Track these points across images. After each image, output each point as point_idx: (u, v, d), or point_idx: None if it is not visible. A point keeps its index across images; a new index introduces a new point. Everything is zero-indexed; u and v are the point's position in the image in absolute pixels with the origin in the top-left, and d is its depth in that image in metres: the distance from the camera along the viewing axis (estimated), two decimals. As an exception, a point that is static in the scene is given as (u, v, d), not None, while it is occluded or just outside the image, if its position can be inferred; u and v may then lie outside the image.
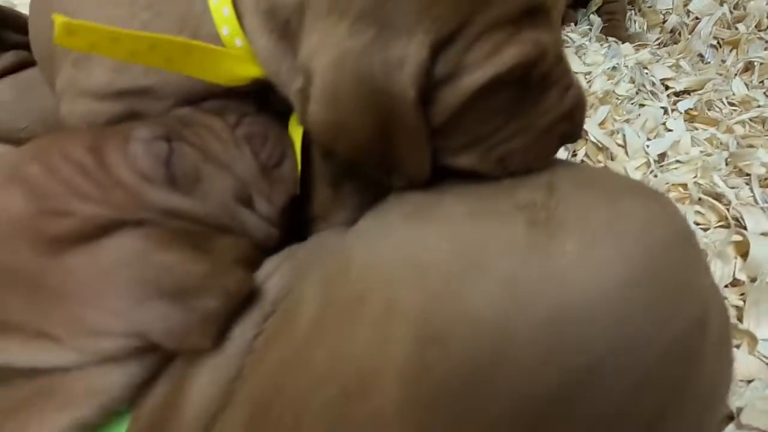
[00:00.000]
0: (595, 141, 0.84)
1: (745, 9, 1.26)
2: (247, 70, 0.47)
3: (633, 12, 1.41)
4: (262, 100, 0.55)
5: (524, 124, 0.46)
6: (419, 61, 0.38)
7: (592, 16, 1.38)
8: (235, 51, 0.46)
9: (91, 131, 0.44)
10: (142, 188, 0.39)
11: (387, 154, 0.45)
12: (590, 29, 1.33)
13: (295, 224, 0.55)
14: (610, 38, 1.26)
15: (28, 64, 0.78)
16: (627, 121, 0.86)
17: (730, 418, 0.54)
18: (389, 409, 0.34)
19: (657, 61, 1.08)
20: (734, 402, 0.53)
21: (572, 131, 0.50)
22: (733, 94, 0.97)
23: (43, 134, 0.72)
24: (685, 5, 1.34)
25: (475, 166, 0.47)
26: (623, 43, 1.21)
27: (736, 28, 1.22)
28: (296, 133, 0.54)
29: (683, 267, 0.41)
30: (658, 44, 1.26)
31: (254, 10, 0.44)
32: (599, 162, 0.82)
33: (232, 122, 0.49)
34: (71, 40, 0.40)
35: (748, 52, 1.15)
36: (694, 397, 0.42)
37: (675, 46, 1.23)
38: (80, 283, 0.34)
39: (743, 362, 0.59)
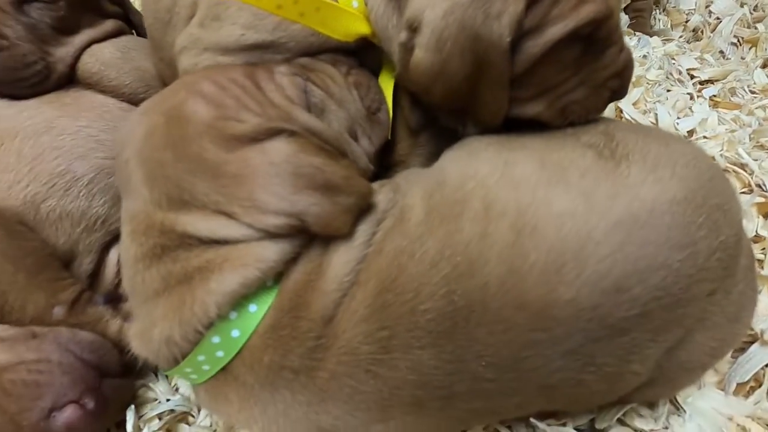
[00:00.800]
0: (629, 118, 0.92)
1: (764, 10, 1.35)
2: (358, 27, 0.57)
3: (657, 11, 1.50)
4: (359, 59, 0.64)
5: (585, 77, 0.56)
6: (516, 12, 0.47)
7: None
8: (352, 10, 0.55)
9: (241, 65, 0.53)
10: (291, 108, 0.48)
11: (472, 98, 0.53)
12: (617, 26, 1.42)
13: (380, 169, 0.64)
14: (637, 33, 1.35)
15: (123, 32, 0.87)
16: (658, 101, 0.95)
17: (754, 341, 0.62)
18: (494, 281, 0.43)
19: (683, 53, 1.17)
20: (758, 325, 0.61)
21: (621, 87, 0.59)
22: (755, 83, 1.05)
23: (142, 91, 0.81)
24: (707, 6, 1.43)
25: (541, 114, 0.57)
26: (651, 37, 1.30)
27: (756, 28, 1.30)
28: (387, 87, 0.63)
29: (724, 193, 0.50)
30: (682, 41, 1.35)
31: None
32: (633, 136, 0.90)
33: (343, 71, 0.58)
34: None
35: (766, 50, 1.24)
36: (728, 304, 0.50)
37: (697, 43, 1.32)
38: (254, 171, 0.43)
39: (764, 303, 0.67)
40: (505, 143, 0.53)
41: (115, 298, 0.70)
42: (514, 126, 0.58)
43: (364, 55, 0.63)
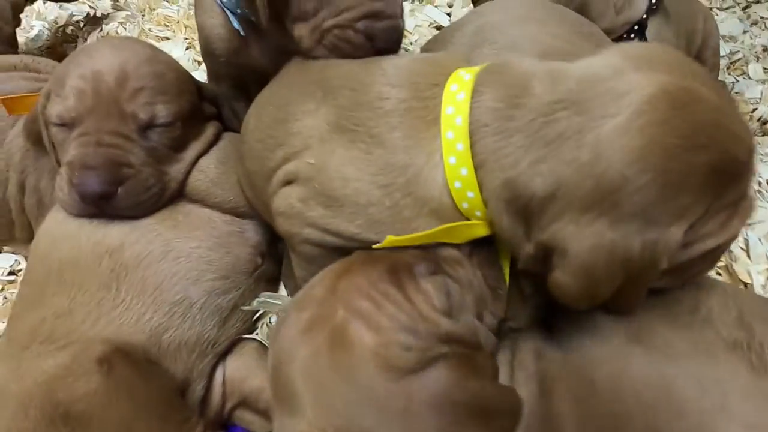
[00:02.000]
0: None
1: (834, 107, 1.34)
2: (481, 232, 0.57)
3: (722, 97, 1.50)
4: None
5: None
6: (676, 242, 0.48)
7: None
8: (476, 221, 0.57)
9: (380, 263, 0.54)
10: (438, 320, 0.50)
11: (614, 300, 0.54)
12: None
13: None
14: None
15: (220, 133, 0.89)
16: (747, 225, 0.95)
17: None
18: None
19: (761, 161, 1.17)
20: None
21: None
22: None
23: (242, 205, 0.82)
24: (773, 95, 1.43)
25: (667, 285, 0.57)
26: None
27: (826, 125, 1.30)
28: (504, 261, 0.64)
29: None
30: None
31: (497, 196, 0.53)
32: (721, 262, 0.91)
33: (467, 253, 0.60)
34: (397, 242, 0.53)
35: (837, 149, 1.23)
36: None
37: (765, 137, 1.32)
38: (418, 407, 0.44)
39: None
40: (646, 340, 0.53)
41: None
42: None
43: None
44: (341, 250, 0.62)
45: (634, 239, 0.47)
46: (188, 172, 0.81)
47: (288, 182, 0.65)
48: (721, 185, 0.46)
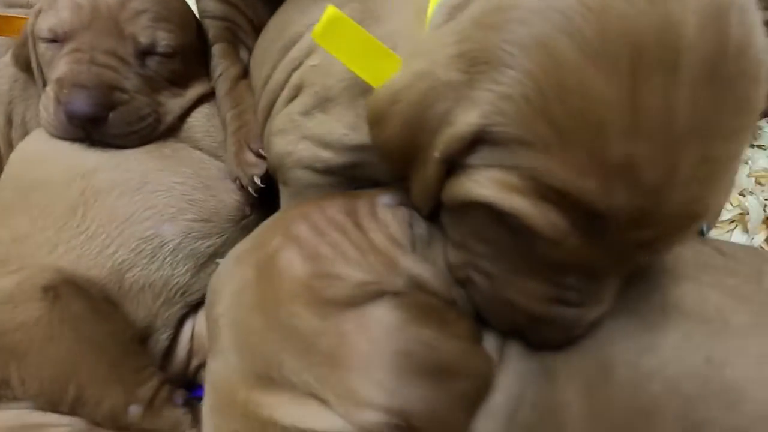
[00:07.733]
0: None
1: None
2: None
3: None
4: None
5: None
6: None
7: None
8: None
9: (340, 195, 0.45)
10: (394, 253, 0.40)
11: None
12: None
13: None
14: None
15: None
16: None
17: None
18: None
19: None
20: None
21: None
22: None
23: None
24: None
25: None
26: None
27: None
28: None
29: None
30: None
31: None
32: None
33: None
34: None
35: None
36: None
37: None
38: (351, 350, 0.34)
39: None
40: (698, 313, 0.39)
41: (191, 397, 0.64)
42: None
43: None
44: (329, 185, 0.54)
45: None
46: (188, 109, 0.74)
47: (292, 98, 0.58)
48: None
